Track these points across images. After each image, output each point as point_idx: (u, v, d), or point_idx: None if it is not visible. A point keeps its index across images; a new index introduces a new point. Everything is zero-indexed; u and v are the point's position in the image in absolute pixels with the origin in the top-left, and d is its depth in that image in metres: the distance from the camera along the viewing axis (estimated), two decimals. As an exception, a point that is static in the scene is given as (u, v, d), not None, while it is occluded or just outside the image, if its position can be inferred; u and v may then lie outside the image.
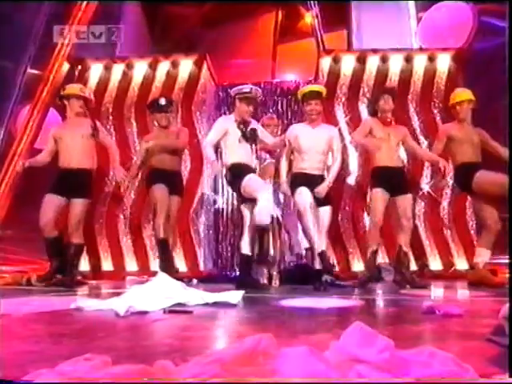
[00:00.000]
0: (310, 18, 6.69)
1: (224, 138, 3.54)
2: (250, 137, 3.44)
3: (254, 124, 3.61)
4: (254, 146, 3.48)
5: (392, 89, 4.50)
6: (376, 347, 0.81)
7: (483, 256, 3.61)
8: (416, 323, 1.71)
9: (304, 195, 3.37)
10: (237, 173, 3.44)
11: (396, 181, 3.65)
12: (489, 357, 1.15)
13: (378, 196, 3.62)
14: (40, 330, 1.53)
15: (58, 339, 1.34)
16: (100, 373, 0.72)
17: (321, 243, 3.31)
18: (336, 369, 0.79)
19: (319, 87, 3.76)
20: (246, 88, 3.56)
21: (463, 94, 3.89)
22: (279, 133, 4.15)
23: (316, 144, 3.52)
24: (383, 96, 3.74)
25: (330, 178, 3.50)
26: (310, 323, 1.80)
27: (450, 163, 3.99)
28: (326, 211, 3.47)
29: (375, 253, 3.66)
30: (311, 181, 3.45)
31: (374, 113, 3.81)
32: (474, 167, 3.68)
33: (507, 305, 1.20)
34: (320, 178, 3.49)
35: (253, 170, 3.48)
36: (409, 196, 3.68)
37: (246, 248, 3.41)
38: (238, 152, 3.49)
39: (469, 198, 4.49)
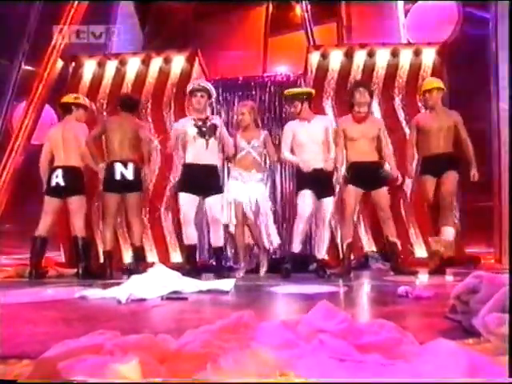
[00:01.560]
0: (300, 10, 6.77)
1: (183, 139, 3.74)
2: (206, 132, 3.65)
3: (216, 121, 3.83)
4: (212, 141, 3.67)
5: (367, 82, 4.57)
6: (336, 320, 1.00)
7: (449, 233, 3.82)
8: (388, 305, 1.91)
9: (306, 200, 3.60)
10: (186, 174, 3.72)
11: (369, 176, 3.78)
12: (440, 330, 1.34)
13: (349, 192, 3.80)
14: (51, 315, 1.71)
15: (69, 323, 1.52)
16: (113, 341, 0.90)
17: (324, 236, 3.63)
18: (303, 338, 0.98)
19: (305, 90, 4.00)
20: (196, 84, 3.86)
21: (433, 82, 4.05)
22: (257, 120, 4.12)
23: (313, 137, 3.70)
24: (358, 89, 3.86)
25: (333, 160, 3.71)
26: (293, 306, 1.99)
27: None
28: (328, 202, 3.66)
29: (350, 245, 3.84)
30: (314, 175, 3.59)
31: (350, 106, 3.97)
32: (438, 159, 3.85)
33: (457, 287, 1.40)
34: (321, 172, 3.63)
35: (203, 169, 3.65)
36: (383, 190, 3.82)
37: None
38: (191, 152, 3.69)
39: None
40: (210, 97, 3.87)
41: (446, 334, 1.30)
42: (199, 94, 3.73)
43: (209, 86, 3.88)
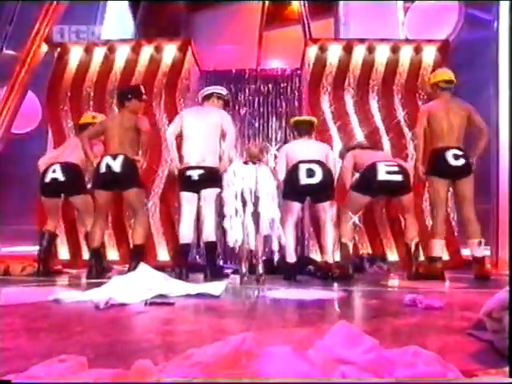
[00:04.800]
0: (297, 4, 6.61)
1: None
2: None
3: None
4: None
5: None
6: (362, 347, 0.80)
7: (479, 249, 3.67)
8: (398, 316, 1.72)
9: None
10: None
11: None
12: (470, 352, 1.15)
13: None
14: (15, 324, 1.48)
15: (34, 335, 1.29)
16: (74, 377, 0.69)
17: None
18: (320, 369, 0.78)
19: (309, 118, 4.09)
20: (219, 89, 3.87)
21: (446, 73, 3.86)
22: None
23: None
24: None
25: None
26: (292, 316, 1.79)
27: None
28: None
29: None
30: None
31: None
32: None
33: (489, 302, 1.21)
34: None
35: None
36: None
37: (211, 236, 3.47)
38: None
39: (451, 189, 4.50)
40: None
41: (478, 357, 1.11)
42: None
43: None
